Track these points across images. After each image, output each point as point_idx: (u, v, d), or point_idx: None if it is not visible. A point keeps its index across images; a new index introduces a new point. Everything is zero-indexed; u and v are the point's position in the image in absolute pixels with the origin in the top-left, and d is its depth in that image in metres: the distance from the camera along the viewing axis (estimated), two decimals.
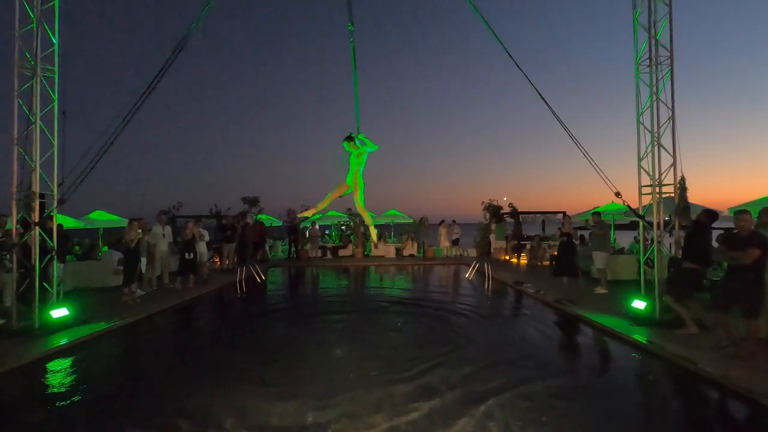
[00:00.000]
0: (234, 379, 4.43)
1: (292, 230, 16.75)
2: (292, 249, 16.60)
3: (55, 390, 4.31)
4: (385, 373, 4.60)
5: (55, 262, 6.46)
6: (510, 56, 6.53)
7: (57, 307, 6.22)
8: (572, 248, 9.16)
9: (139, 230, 8.39)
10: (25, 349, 5.20)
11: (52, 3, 6.43)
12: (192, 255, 9.82)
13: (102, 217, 13.49)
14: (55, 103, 6.47)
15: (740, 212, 4.79)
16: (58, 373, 4.75)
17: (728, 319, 4.79)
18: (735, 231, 5.02)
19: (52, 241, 6.39)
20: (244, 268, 11.47)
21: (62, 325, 6.06)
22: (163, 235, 9.64)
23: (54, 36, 6.47)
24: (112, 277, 9.57)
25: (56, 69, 6.51)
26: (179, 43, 6.41)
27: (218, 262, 13.41)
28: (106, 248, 12.07)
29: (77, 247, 12.32)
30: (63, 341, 5.53)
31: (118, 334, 6.32)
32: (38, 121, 6.21)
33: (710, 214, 6.05)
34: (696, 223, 6.06)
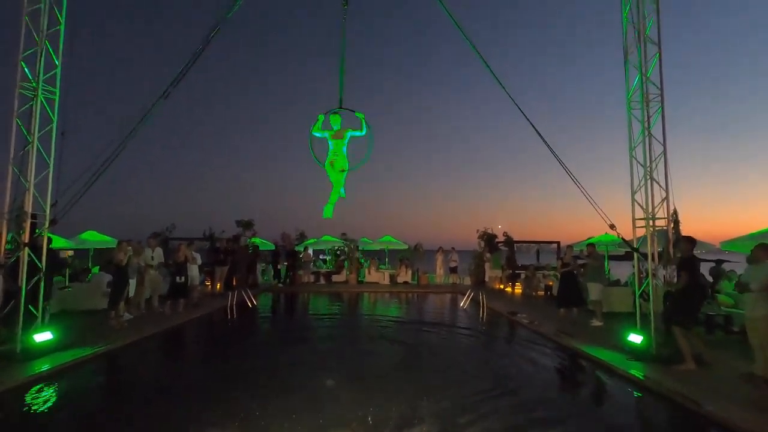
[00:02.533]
0: (215, 418, 4.24)
1: (291, 255, 16.58)
2: (288, 274, 16.38)
3: (30, 419, 4.11)
4: (373, 412, 4.46)
5: (42, 284, 6.30)
6: (508, 94, 6.71)
7: (41, 331, 6.03)
8: (575, 278, 9.12)
9: (129, 249, 8.27)
10: (4, 374, 5.01)
11: (57, 27, 6.55)
12: (183, 278, 9.65)
13: (93, 238, 13.29)
14: (54, 124, 6.49)
15: None
16: (36, 401, 4.55)
17: None
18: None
19: (41, 262, 6.27)
20: (236, 292, 11.30)
21: (45, 350, 5.85)
22: (152, 257, 9.49)
23: (57, 58, 6.56)
24: (101, 299, 9.36)
25: (57, 90, 6.56)
26: (194, 55, 6.49)
27: (209, 286, 13.20)
28: (96, 270, 11.85)
29: (68, 269, 12.06)
30: (45, 367, 5.33)
31: (102, 360, 6.12)
32: (35, 142, 6.21)
33: (691, 241, 6.09)
34: (684, 255, 6.04)
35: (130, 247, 8.39)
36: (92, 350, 6.13)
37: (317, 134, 6.18)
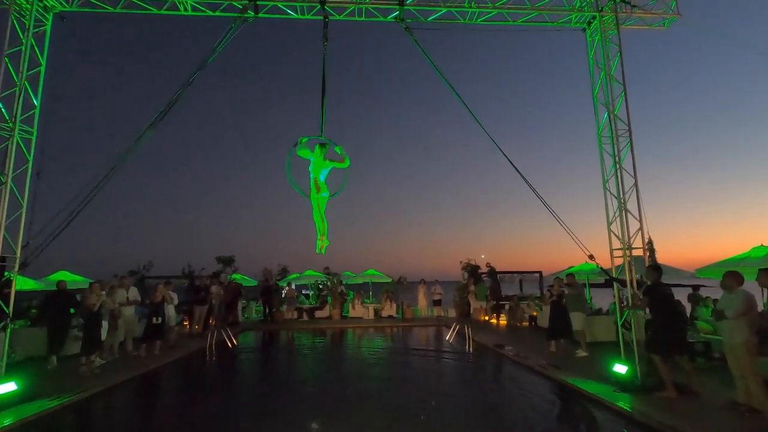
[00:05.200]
0: None
1: (266, 291, 16.14)
2: (267, 311, 15.90)
3: None
4: None
5: (8, 330, 5.99)
6: (490, 137, 7.06)
7: (3, 382, 5.66)
8: (564, 309, 9.16)
9: (102, 293, 7.97)
10: None
11: (38, 69, 6.56)
12: (160, 319, 9.31)
13: (65, 278, 12.72)
14: (30, 164, 6.37)
15: None
16: None
17: None
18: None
19: (8, 306, 5.98)
20: (215, 332, 10.92)
21: (8, 403, 5.47)
22: (127, 298, 9.15)
23: (36, 99, 6.53)
24: (71, 344, 8.87)
25: (35, 131, 6.49)
26: (179, 90, 6.55)
27: (188, 326, 12.71)
28: (72, 310, 11.28)
29: (33, 311, 11.44)
30: (6, 422, 4.97)
31: (70, 411, 5.73)
32: (9, 182, 6.06)
33: (657, 269, 6.23)
34: (652, 282, 6.17)
35: (103, 291, 8.10)
36: (59, 401, 5.76)
37: (301, 155, 6.28)
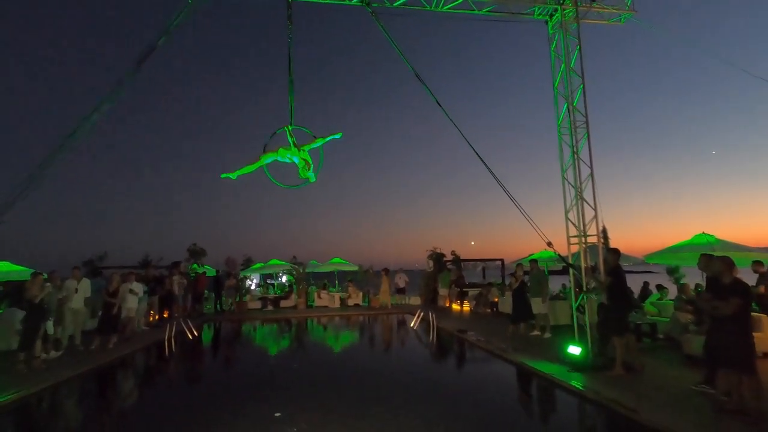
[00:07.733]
0: None
1: (217, 281, 15.58)
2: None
3: None
4: None
5: None
6: (452, 121, 7.01)
7: None
8: (525, 294, 9.48)
9: (47, 284, 7.47)
10: None
11: None
12: (116, 310, 8.90)
13: (6, 269, 11.86)
14: None
15: (720, 258, 4.60)
16: None
17: (729, 375, 4.42)
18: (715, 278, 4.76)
19: None
20: (174, 323, 10.56)
21: None
22: (76, 290, 8.64)
23: None
24: (15, 339, 8.31)
25: None
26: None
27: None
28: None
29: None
30: None
31: (9, 412, 5.32)
32: None
33: (616, 252, 6.58)
34: (611, 264, 6.47)
35: (48, 283, 7.60)
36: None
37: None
